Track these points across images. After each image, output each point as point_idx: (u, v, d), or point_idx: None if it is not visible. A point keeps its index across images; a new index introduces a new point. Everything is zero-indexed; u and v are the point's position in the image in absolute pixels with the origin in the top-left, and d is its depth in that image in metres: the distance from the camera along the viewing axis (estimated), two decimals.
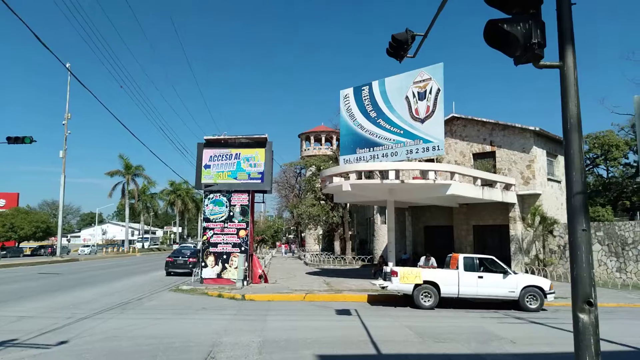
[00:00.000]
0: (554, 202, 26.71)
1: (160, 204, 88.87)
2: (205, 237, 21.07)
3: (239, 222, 20.75)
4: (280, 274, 26.62)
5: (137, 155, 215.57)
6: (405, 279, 15.03)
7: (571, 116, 3.75)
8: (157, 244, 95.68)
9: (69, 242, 78.24)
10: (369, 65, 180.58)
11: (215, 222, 20.88)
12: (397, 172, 20.54)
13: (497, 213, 26.31)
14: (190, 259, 26.20)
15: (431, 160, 26.06)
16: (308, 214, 40.91)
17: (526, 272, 22.37)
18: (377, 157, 23.44)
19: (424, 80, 22.25)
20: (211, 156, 21.40)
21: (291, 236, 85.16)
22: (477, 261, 15.39)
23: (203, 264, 20.63)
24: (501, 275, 15.03)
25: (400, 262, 24.41)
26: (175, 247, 46.79)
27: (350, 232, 43.84)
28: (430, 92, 21.96)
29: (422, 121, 22.10)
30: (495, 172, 25.52)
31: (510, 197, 24.80)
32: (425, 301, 14.88)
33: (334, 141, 57.68)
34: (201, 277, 20.47)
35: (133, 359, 8.06)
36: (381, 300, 16.35)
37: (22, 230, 56.82)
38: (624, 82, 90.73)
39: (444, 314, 14.14)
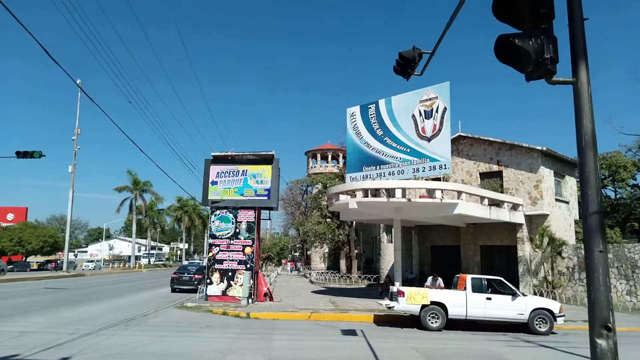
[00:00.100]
0: (562, 223, 26.43)
1: (167, 220, 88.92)
2: (210, 254, 20.96)
3: (244, 239, 20.64)
4: (286, 292, 26.38)
5: (145, 171, 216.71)
6: (412, 299, 14.82)
7: (586, 133, 3.68)
8: (163, 260, 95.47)
9: (76, 257, 78.25)
10: (376, 83, 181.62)
11: (221, 238, 20.78)
12: (404, 190, 20.42)
13: (504, 233, 26.04)
14: (196, 276, 26.04)
15: (438, 179, 25.94)
16: (314, 231, 40.69)
17: (534, 294, 22.03)
18: (384, 175, 23.38)
19: (430, 99, 22.29)
20: (218, 172, 21.40)
21: (297, 254, 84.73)
22: (486, 282, 15.17)
23: (208, 280, 20.49)
24: (510, 297, 14.79)
25: (406, 282, 24.15)
26: (186, 262, 46.80)
27: (356, 251, 43.52)
28: (436, 111, 21.98)
29: (429, 140, 22.08)
30: (502, 192, 25.33)
31: (518, 218, 24.56)
32: (432, 322, 14.64)
33: (341, 159, 57.67)
34: (206, 294, 20.30)
35: None
36: (387, 320, 16.12)
37: (30, 244, 56.85)
38: (631, 102, 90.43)
39: (451, 336, 13.88)
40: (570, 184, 28.72)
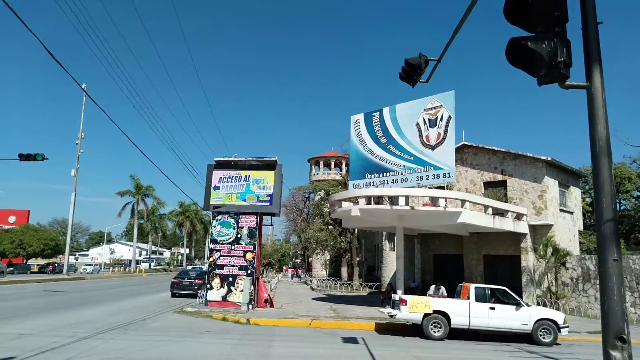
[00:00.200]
0: (567, 234, 26.26)
1: (169, 225, 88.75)
2: (211, 259, 20.85)
3: (246, 244, 20.52)
4: (286, 298, 26.21)
5: (148, 178, 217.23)
6: (414, 307, 14.66)
7: (600, 139, 3.57)
8: (162, 264, 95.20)
9: (77, 260, 78.19)
10: (378, 93, 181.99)
11: (222, 243, 20.67)
12: (407, 198, 20.30)
13: (508, 243, 25.87)
14: (196, 281, 25.93)
15: (441, 188, 25.81)
16: (316, 238, 40.51)
17: (538, 304, 21.84)
18: (387, 183, 23.27)
19: (435, 108, 22.22)
20: (220, 177, 21.32)
21: (298, 261, 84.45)
22: (489, 292, 15.01)
23: (208, 286, 20.35)
24: (513, 307, 14.63)
25: (408, 290, 23.97)
26: (189, 267, 46.75)
27: (358, 258, 43.31)
28: (441, 120, 21.89)
29: (433, 148, 21.97)
30: (506, 202, 25.19)
31: (522, 227, 24.40)
32: (434, 331, 14.48)
33: (344, 166, 57.59)
34: (206, 299, 20.16)
35: None
36: (389, 329, 15.95)
37: (31, 247, 56.82)
38: (635, 114, 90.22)
39: (453, 346, 13.71)
40: (575, 195, 28.56)
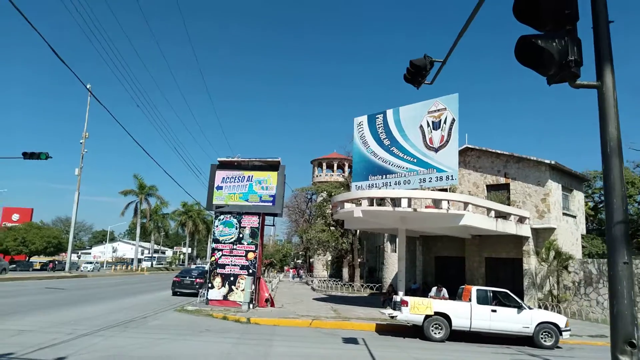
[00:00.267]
0: (569, 238, 26.15)
1: (172, 224, 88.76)
2: (213, 258, 20.83)
3: (248, 244, 20.49)
4: (287, 298, 26.16)
5: (152, 178, 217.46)
6: (415, 309, 14.60)
7: (611, 139, 3.51)
8: (164, 264, 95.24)
9: (79, 258, 78.21)
10: (382, 95, 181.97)
11: (224, 243, 20.64)
12: (410, 200, 20.22)
13: (510, 246, 25.76)
14: (197, 280, 25.91)
15: (444, 190, 25.73)
16: (317, 239, 40.48)
17: (539, 307, 21.73)
18: (390, 185, 23.22)
19: (438, 110, 22.17)
20: (224, 177, 21.31)
21: (299, 261, 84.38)
22: (491, 294, 14.94)
23: (210, 285, 20.32)
24: (515, 309, 14.56)
25: (409, 292, 23.89)
26: (192, 266, 46.79)
27: (359, 260, 43.22)
28: (444, 122, 21.84)
29: (436, 150, 21.93)
30: (509, 205, 25.09)
31: (525, 231, 24.30)
32: (435, 333, 14.41)
33: (346, 168, 57.51)
34: (207, 298, 20.13)
35: None
36: (390, 330, 15.90)
37: (34, 245, 56.95)
38: (638, 118, 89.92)
39: (454, 348, 13.64)
40: (578, 199, 28.45)
